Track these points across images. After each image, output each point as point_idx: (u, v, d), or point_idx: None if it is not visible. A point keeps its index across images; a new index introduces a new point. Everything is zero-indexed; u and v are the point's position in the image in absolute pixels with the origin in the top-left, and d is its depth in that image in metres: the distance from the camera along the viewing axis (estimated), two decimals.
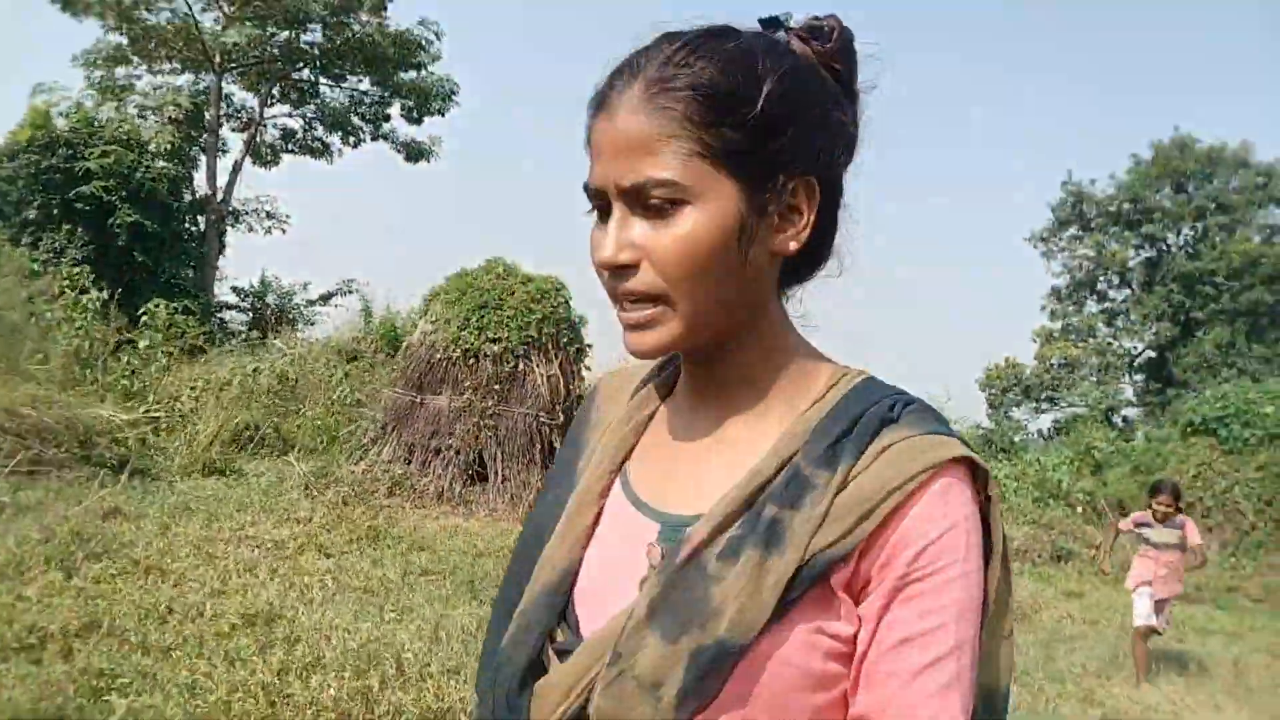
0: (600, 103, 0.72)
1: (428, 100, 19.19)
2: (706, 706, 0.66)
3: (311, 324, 20.03)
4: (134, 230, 15.58)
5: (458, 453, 8.19)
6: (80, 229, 15.09)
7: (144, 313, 11.39)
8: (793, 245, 0.73)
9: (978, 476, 0.71)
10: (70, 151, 15.33)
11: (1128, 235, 27.52)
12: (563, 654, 0.73)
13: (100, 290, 11.51)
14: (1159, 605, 5.44)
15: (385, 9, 17.17)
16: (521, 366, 8.46)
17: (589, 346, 9.76)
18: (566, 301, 9.00)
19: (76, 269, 12.35)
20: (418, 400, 8.43)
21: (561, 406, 8.52)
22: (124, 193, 15.44)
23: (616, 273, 0.71)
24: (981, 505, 0.71)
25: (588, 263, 0.75)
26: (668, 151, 0.68)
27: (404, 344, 9.57)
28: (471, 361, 8.35)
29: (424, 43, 17.59)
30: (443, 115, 20.00)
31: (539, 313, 8.62)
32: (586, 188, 0.73)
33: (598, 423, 0.88)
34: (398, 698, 3.22)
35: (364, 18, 17.20)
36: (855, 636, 0.68)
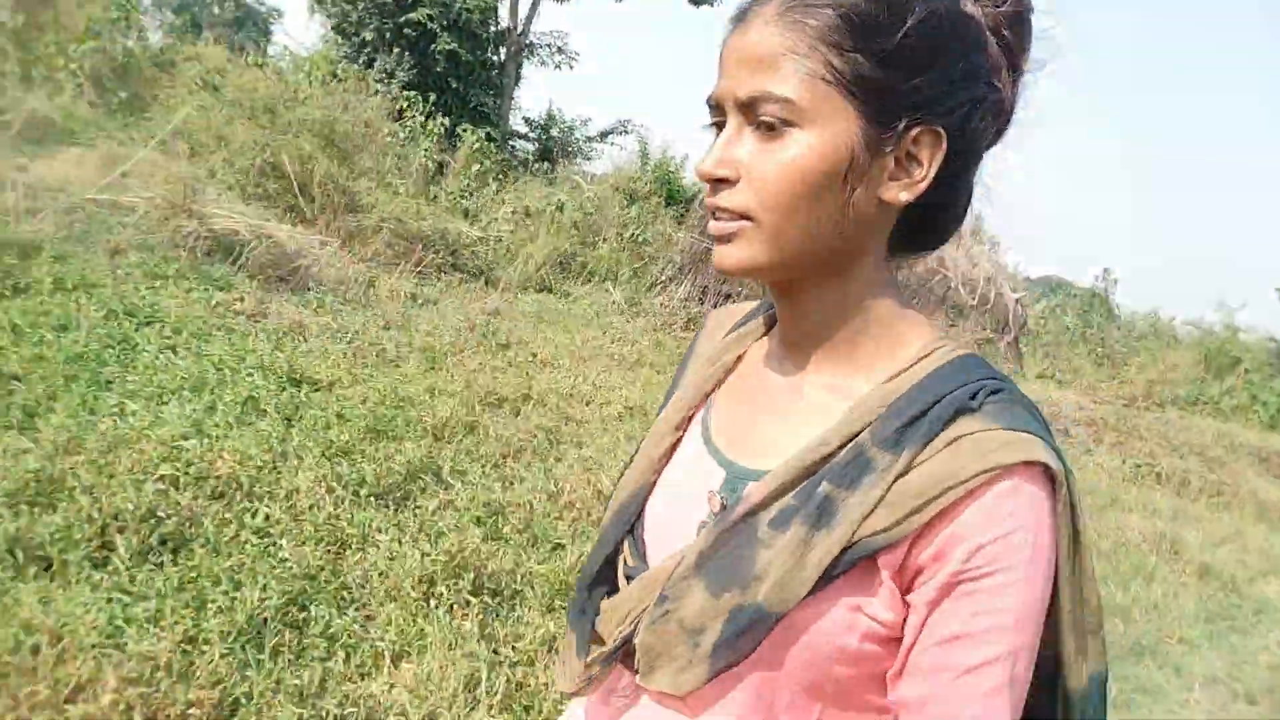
0: (739, 15, 0.71)
1: None
2: (740, 660, 0.69)
3: (589, 159, 21.28)
4: (450, 58, 17.18)
5: (746, 299, 9.04)
6: (407, 53, 16.88)
7: (460, 136, 12.92)
8: (904, 196, 0.70)
9: (1056, 480, 0.67)
10: None
11: None
12: (630, 578, 0.78)
13: (430, 116, 13.12)
14: None
15: None
16: None
17: None
18: None
19: (409, 92, 14.03)
20: (712, 248, 9.30)
21: None
22: (445, 21, 16.98)
23: (714, 185, 0.71)
24: (1058, 509, 0.67)
25: None
26: (790, 68, 0.66)
27: (700, 194, 10.36)
28: None
29: None
30: None
31: None
32: (707, 100, 0.73)
33: (697, 356, 0.90)
34: None
35: None
36: (900, 623, 0.68)
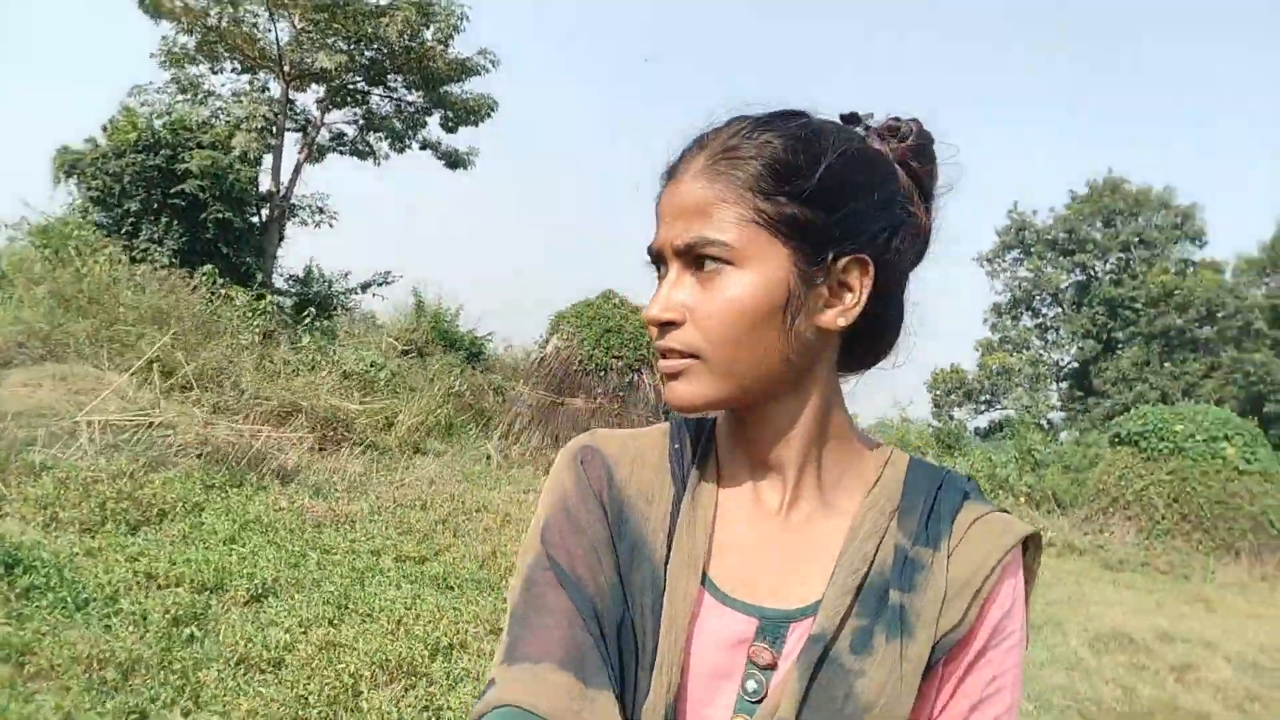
0: (669, 172, 0.78)
1: (468, 114, 21.26)
2: None
3: (348, 310, 21.96)
4: (220, 225, 17.52)
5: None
6: (176, 222, 17.01)
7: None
8: (841, 321, 0.75)
9: (1028, 547, 0.79)
10: (170, 153, 17.19)
11: (1062, 261, 30.68)
12: None
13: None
14: None
15: (453, 37, 19.24)
16: (636, 379, 11.08)
17: None
18: None
19: (206, 265, 14.44)
20: (559, 401, 10.98)
21: (663, 409, 11.20)
22: (216, 191, 17.35)
23: (661, 328, 0.75)
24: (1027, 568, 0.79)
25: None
26: (723, 215, 0.72)
27: (541, 354, 12.03)
28: (601, 373, 10.94)
29: (480, 70, 19.76)
30: (477, 125, 22.13)
31: (646, 336, 11.26)
32: (649, 250, 0.78)
33: (635, 492, 0.81)
34: None
35: (430, 42, 19.25)
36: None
